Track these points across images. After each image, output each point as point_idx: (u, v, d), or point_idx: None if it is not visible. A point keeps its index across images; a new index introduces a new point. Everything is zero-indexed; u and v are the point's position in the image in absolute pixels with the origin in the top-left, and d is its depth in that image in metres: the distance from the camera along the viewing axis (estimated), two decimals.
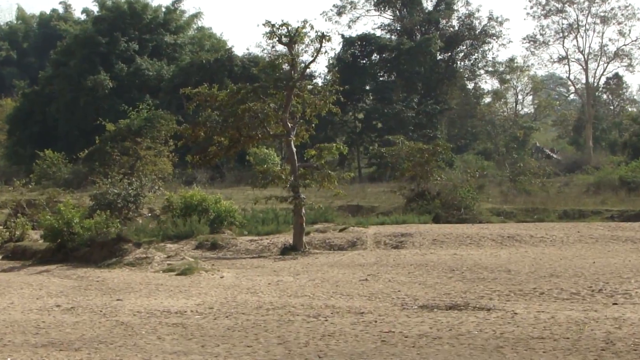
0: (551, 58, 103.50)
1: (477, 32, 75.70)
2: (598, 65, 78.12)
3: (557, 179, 53.14)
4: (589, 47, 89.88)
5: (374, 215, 37.61)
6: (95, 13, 75.27)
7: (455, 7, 76.62)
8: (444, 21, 76.82)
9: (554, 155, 68.89)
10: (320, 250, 28.41)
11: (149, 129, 49.62)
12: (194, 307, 16.62)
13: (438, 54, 73.42)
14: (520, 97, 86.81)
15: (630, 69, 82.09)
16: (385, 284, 19.30)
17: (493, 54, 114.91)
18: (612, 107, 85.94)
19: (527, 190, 45.58)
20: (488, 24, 75.64)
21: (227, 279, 21.58)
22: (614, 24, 76.45)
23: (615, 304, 15.60)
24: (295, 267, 23.79)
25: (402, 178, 41.55)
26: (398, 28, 77.39)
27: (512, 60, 79.80)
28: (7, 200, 40.21)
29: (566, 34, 77.51)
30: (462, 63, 78.18)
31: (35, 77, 74.02)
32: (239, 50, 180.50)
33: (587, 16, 76.58)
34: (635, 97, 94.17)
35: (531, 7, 78.87)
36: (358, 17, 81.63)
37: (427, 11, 76.99)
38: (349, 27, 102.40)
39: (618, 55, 77.27)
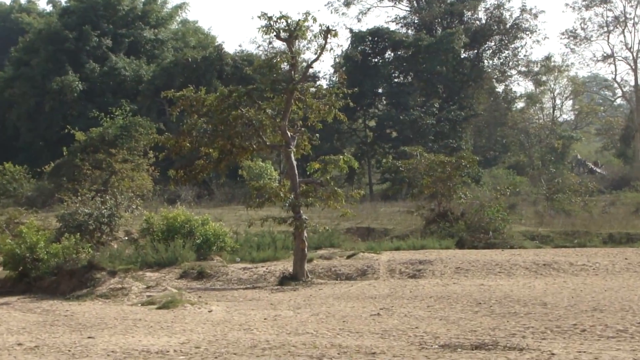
0: (594, 56, 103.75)
1: (507, 26, 75.94)
2: None
3: (601, 197, 53.16)
4: (639, 43, 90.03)
5: (387, 239, 37.62)
6: (63, 4, 75.68)
7: None
8: (469, 13, 77.12)
9: (598, 170, 68.93)
10: (324, 280, 28.42)
11: (126, 139, 49.78)
12: (178, 346, 16.64)
13: (462, 52, 73.56)
14: (558, 101, 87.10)
15: None
16: (401, 320, 19.32)
17: (526, 51, 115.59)
18: None
19: (566, 211, 45.56)
20: (520, 17, 75.94)
21: (216, 313, 21.61)
22: None
23: None
24: (296, 300, 23.81)
25: (421, 196, 41.59)
26: (416, 21, 77.69)
27: (548, 58, 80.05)
28: None
29: (612, 28, 77.73)
30: (491, 62, 78.43)
31: None
32: (230, 47, 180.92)
33: (636, 7, 76.83)
34: None
35: None
36: (369, 9, 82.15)
37: (449, 1, 77.26)
38: (359, 20, 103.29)
39: None
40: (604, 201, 50.94)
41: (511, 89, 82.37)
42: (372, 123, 70.19)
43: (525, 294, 22.49)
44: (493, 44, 76.80)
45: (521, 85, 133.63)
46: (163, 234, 32.90)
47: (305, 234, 28.87)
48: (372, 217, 44.41)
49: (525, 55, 78.77)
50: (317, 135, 30.55)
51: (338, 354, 15.38)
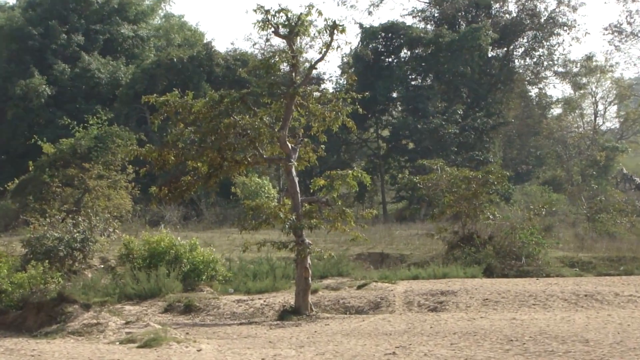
0: None
1: (542, 20, 76.12)
2: None
3: None
4: None
5: (404, 266, 37.67)
6: None
7: None
8: (498, 5, 77.30)
9: None
10: (331, 314, 28.47)
11: (101, 152, 49.87)
12: None
13: (490, 50, 73.74)
14: (601, 107, 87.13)
15: None
16: None
17: (564, 49, 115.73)
18: None
19: (610, 233, 45.58)
20: (557, 10, 76.17)
21: (206, 352, 21.66)
22: None
23: None
24: (299, 337, 23.85)
25: (442, 217, 41.60)
26: (436, 15, 77.85)
27: (589, 58, 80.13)
28: None
29: None
30: (523, 62, 78.64)
31: None
32: (222, 46, 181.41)
33: None
34: None
35: None
36: (381, 0, 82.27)
37: None
38: (370, 13, 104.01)
39: None
40: None
41: (546, 92, 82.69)
42: (386, 132, 70.35)
43: (564, 330, 22.53)
44: (525, 40, 76.99)
45: (558, 89, 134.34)
46: (144, 262, 32.97)
47: (309, 261, 28.92)
48: (386, 241, 44.45)
49: (562, 54, 79.05)
50: (322, 146, 30.61)
51: None
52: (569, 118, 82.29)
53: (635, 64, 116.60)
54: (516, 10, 76.69)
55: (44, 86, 65.45)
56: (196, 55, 65.18)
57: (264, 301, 30.20)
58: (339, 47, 30.25)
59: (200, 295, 30.91)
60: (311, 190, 31.64)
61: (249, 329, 26.12)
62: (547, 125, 78.04)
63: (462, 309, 27.96)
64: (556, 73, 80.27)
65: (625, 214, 48.04)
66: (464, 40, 69.18)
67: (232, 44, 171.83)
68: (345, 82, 64.20)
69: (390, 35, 70.44)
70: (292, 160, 29.32)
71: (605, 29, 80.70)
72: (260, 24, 29.21)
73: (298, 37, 30.87)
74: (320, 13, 28.87)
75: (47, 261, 30.58)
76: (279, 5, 29.20)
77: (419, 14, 78.50)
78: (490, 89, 73.41)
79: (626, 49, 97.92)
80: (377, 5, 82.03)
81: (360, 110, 30.27)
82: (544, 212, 44.02)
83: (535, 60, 78.23)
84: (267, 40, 78.96)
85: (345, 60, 72.98)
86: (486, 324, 24.39)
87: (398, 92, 70.64)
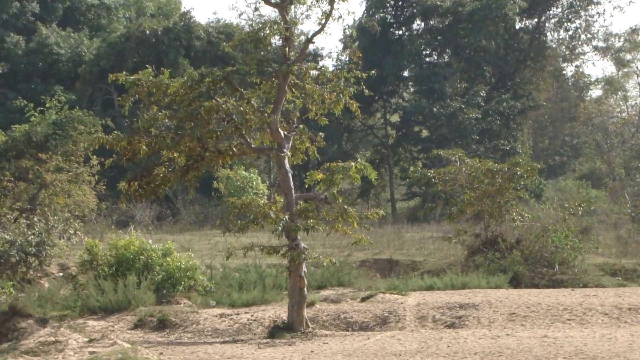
0: None
1: None
2: None
3: None
4: None
5: (416, 275, 37.72)
6: None
7: None
8: None
9: None
10: (331, 331, 28.50)
11: (60, 140, 49.77)
12: None
13: (517, 21, 73.77)
14: None
15: None
16: None
17: (604, 20, 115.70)
18: None
19: None
20: None
21: None
22: None
23: None
24: (292, 358, 23.89)
25: (461, 217, 41.66)
26: None
27: (634, 31, 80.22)
28: None
29: None
30: (556, 35, 78.71)
31: None
32: (202, 16, 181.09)
33: None
34: None
35: None
36: None
37: None
38: None
39: None
40: None
41: (583, 71, 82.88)
42: (395, 118, 70.42)
43: (604, 349, 22.57)
44: (559, 10, 77.09)
45: (597, 67, 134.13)
46: (111, 269, 32.98)
47: (305, 269, 28.92)
48: (395, 246, 44.51)
49: (602, 26, 79.37)
50: (321, 134, 30.56)
51: None
52: (610, 101, 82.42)
53: None
54: None
55: None
56: (172, 26, 65.28)
57: (252, 316, 30.22)
58: (340, 17, 30.13)
59: (177, 309, 30.91)
60: (307, 186, 31.61)
61: (234, 349, 26.12)
62: (585, 109, 78.14)
63: (484, 325, 27.99)
64: (595, 48, 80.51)
65: None
66: (487, 10, 69.14)
67: (214, 13, 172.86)
68: (347, 59, 64.33)
69: (400, 3, 70.50)
70: (285, 150, 29.22)
71: None
72: None
73: (292, 6, 30.83)
74: None
75: None
76: None
77: None
78: (518, 67, 73.46)
79: None
80: None
81: (366, 91, 30.07)
82: (580, 212, 44.04)
83: (570, 33, 78.37)
84: (256, 9, 79.44)
85: (348, 33, 73.11)
86: (513, 342, 24.42)
87: (410, 71, 70.77)
